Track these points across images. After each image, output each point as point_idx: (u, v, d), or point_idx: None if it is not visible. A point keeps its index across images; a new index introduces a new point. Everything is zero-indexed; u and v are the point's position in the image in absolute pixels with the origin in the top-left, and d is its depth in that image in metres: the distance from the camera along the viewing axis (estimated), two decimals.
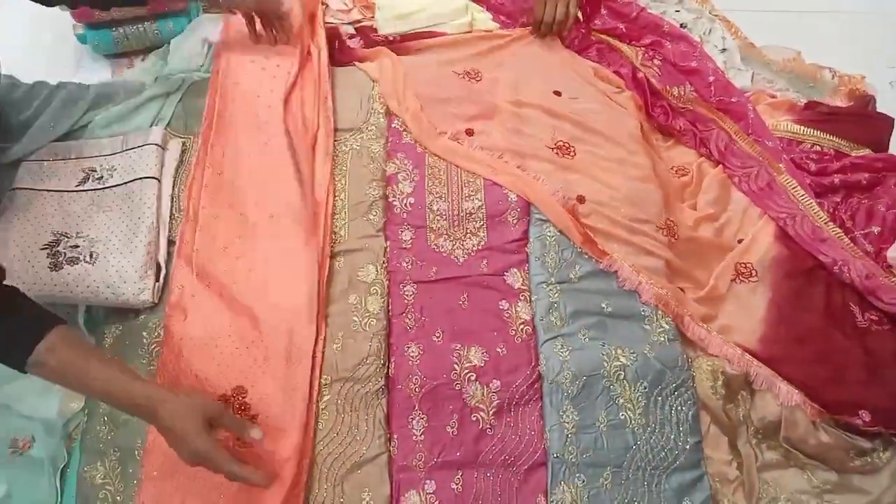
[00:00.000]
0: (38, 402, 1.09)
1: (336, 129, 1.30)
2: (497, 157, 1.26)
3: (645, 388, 1.07)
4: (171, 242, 1.17)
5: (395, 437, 1.04)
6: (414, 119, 1.29)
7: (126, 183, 1.20)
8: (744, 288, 1.23)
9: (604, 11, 1.55)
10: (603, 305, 1.15)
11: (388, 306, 1.13)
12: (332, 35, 1.48)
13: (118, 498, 0.98)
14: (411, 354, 1.09)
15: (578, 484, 1.01)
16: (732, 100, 1.45)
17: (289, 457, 0.96)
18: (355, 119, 1.32)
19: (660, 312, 1.14)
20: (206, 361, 1.04)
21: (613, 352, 1.09)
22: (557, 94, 1.37)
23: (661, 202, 1.25)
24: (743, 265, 1.25)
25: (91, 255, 1.12)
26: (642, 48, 1.51)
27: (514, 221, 1.22)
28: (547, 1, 1.45)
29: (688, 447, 1.04)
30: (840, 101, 1.52)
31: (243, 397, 1.02)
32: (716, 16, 1.67)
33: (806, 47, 1.60)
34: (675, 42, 1.52)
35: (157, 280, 1.12)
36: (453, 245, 1.20)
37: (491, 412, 1.05)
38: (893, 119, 1.43)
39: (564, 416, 1.04)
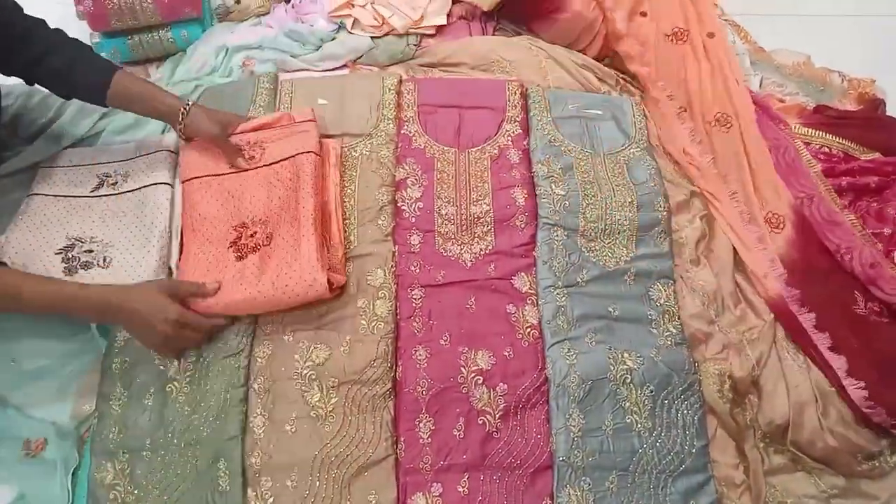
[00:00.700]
0: (50, 405, 1.10)
1: (346, 135, 1.32)
2: None
3: (651, 391, 1.07)
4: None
5: (402, 439, 1.04)
6: None
7: (139, 189, 1.22)
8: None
9: None
10: (610, 309, 1.15)
11: (396, 310, 1.14)
12: None
13: (128, 499, 1.00)
14: (419, 358, 1.10)
15: (584, 487, 1.01)
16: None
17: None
18: (365, 125, 1.34)
19: (667, 316, 1.15)
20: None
21: (620, 355, 1.10)
22: None
23: None
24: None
25: (105, 260, 1.14)
26: None
27: (522, 226, 1.23)
28: None
29: (694, 450, 1.04)
30: (850, 105, 1.52)
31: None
32: (726, 20, 1.67)
33: (816, 51, 1.60)
34: None
35: None
36: (461, 249, 1.21)
37: (497, 415, 1.06)
38: None
39: (570, 420, 1.05)
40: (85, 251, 1.15)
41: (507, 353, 1.11)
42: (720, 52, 1.47)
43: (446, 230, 1.23)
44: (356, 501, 0.99)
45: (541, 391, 1.08)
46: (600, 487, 1.02)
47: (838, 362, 1.14)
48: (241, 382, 1.06)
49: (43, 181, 1.23)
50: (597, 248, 1.21)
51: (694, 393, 1.08)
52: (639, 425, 1.05)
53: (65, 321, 1.13)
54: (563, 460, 1.02)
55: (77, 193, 1.22)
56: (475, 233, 1.22)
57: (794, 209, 1.31)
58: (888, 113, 1.49)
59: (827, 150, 1.43)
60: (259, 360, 1.09)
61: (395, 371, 1.10)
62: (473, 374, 1.09)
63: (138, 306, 1.00)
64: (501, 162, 1.31)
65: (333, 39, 1.55)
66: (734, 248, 1.28)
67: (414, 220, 1.23)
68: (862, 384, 1.11)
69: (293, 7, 1.60)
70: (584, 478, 1.02)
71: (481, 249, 1.21)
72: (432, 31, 1.58)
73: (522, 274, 1.19)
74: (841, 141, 1.43)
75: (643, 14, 1.51)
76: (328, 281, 1.07)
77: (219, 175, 1.21)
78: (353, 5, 1.55)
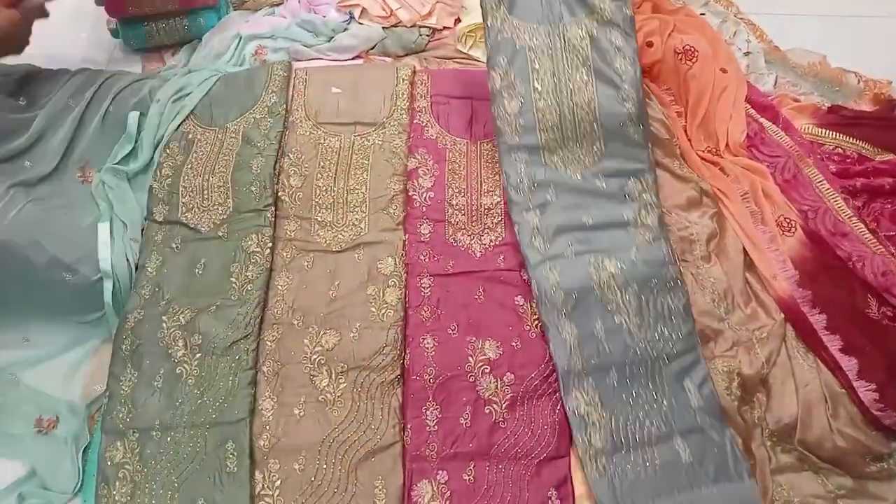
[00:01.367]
0: (62, 384, 1.12)
1: (359, 124, 1.33)
2: None
3: (635, 289, 1.12)
4: None
5: (409, 426, 1.05)
6: None
7: None
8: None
9: None
10: (585, 219, 1.18)
11: (406, 298, 1.15)
12: None
13: (137, 477, 1.01)
14: (426, 346, 1.10)
15: (588, 389, 1.05)
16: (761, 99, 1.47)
17: None
18: (378, 114, 1.34)
19: (642, 214, 1.18)
20: None
21: (601, 262, 1.13)
22: None
23: None
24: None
25: None
26: None
27: None
28: None
29: (682, 335, 1.10)
30: (865, 106, 1.50)
31: None
32: (741, 19, 1.66)
33: (831, 52, 1.59)
34: None
35: None
36: (471, 239, 1.21)
37: (504, 405, 1.06)
38: None
39: (564, 332, 1.09)
40: None
41: (514, 344, 1.11)
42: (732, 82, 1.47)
43: (457, 220, 1.23)
44: (363, 486, 0.99)
45: (548, 382, 1.08)
46: (603, 384, 1.06)
47: (849, 364, 1.13)
48: (249, 365, 1.07)
49: None
50: (559, 161, 1.22)
51: (675, 283, 1.13)
52: (628, 323, 1.09)
53: (78, 301, 1.15)
54: (564, 370, 1.06)
55: None
56: (485, 224, 1.23)
57: (802, 218, 1.30)
58: None
59: (841, 150, 1.42)
60: (268, 343, 1.10)
61: (403, 359, 1.10)
62: (481, 364, 1.09)
63: None
64: None
65: (345, 30, 1.56)
66: (744, 248, 1.28)
67: (425, 209, 1.24)
68: (872, 386, 1.11)
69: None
70: (587, 378, 1.06)
71: (491, 240, 1.21)
72: (440, 27, 1.58)
73: None
74: (854, 142, 1.42)
75: (649, 45, 1.52)
76: None
77: None
78: None
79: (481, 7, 1.26)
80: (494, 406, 1.06)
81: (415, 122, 1.34)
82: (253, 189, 1.24)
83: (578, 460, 1.03)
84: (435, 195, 1.25)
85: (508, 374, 1.08)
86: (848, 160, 1.40)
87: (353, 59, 1.54)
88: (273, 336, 1.10)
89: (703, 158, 1.39)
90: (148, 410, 1.05)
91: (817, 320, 1.18)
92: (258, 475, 1.00)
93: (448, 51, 1.54)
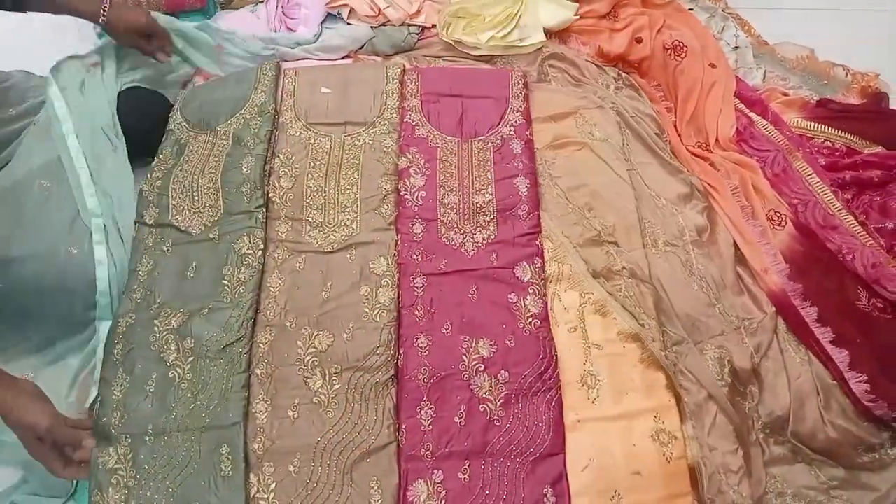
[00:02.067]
0: (55, 390, 1.11)
1: (349, 123, 1.32)
2: None
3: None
4: None
5: (404, 426, 1.04)
6: None
7: None
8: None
9: None
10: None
11: (399, 298, 1.15)
12: None
13: (130, 483, 1.00)
14: (420, 346, 1.10)
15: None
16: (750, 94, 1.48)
17: None
18: (368, 114, 1.34)
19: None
20: None
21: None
22: None
23: None
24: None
25: None
26: None
27: (525, 215, 1.23)
28: None
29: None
30: (853, 99, 1.52)
31: None
32: (729, 14, 1.67)
33: (819, 45, 1.60)
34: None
35: None
36: (464, 238, 1.21)
37: (499, 403, 1.06)
38: None
39: None
40: None
41: (508, 342, 1.11)
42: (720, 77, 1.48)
43: (449, 219, 1.23)
44: (358, 487, 0.99)
45: (542, 379, 1.08)
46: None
47: (840, 355, 1.14)
48: (242, 368, 1.06)
49: None
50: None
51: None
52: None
53: (68, 309, 1.14)
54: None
55: None
56: (478, 222, 1.23)
57: (792, 211, 1.31)
58: (892, 107, 1.49)
59: (830, 144, 1.43)
60: (261, 346, 1.09)
61: (397, 359, 1.10)
62: (475, 362, 1.09)
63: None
64: (504, 152, 1.31)
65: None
66: (735, 242, 1.28)
67: (417, 209, 1.24)
68: (864, 377, 1.12)
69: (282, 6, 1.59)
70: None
71: (483, 239, 1.21)
72: (428, 25, 1.57)
73: (524, 263, 1.18)
74: (843, 135, 1.43)
75: (638, 41, 1.52)
76: None
77: None
78: None
79: None
80: (489, 404, 1.06)
81: (405, 120, 1.34)
82: (244, 190, 1.23)
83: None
84: (426, 194, 1.25)
85: (503, 372, 1.08)
86: (837, 153, 1.41)
87: (341, 58, 1.53)
88: (266, 338, 1.10)
89: (693, 153, 1.40)
90: (140, 415, 1.05)
91: (808, 313, 1.19)
92: (253, 478, 0.99)
93: (437, 49, 1.54)
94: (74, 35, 1.56)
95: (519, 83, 1.40)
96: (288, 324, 1.11)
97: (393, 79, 1.39)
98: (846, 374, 1.13)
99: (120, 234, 1.22)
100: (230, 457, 1.00)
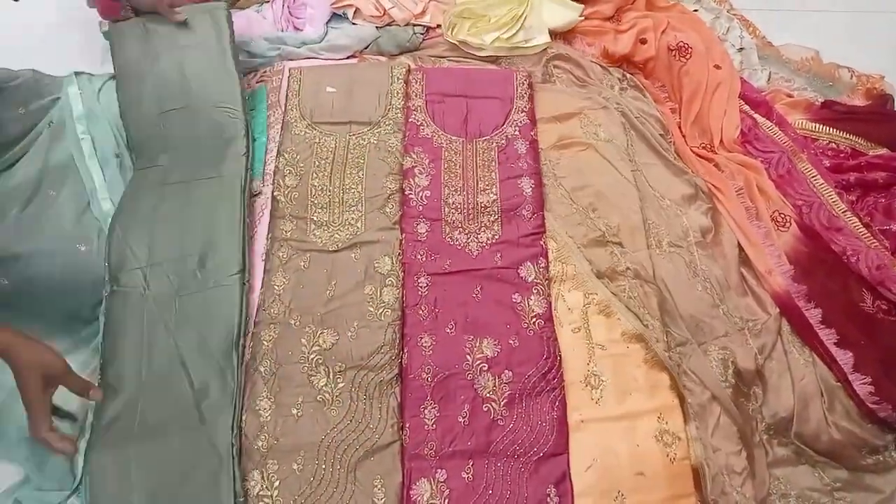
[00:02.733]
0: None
1: (354, 123, 1.33)
2: None
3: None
4: None
5: (408, 425, 1.05)
6: None
7: None
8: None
9: None
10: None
11: (403, 297, 1.15)
12: None
13: None
14: (424, 345, 1.10)
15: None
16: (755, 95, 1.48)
17: None
18: (373, 114, 1.34)
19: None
20: None
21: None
22: None
23: None
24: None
25: None
26: None
27: (529, 215, 1.23)
28: None
29: None
30: (858, 101, 1.52)
31: None
32: (734, 15, 1.67)
33: (824, 47, 1.60)
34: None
35: None
36: (468, 238, 1.21)
37: (502, 402, 1.06)
38: None
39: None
40: None
41: (512, 342, 1.11)
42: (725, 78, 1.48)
43: (453, 219, 1.23)
44: (362, 486, 0.99)
45: (546, 379, 1.08)
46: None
47: (844, 357, 1.14)
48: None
49: None
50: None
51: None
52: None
53: (75, 306, 1.14)
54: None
55: None
56: (482, 222, 1.23)
57: (797, 213, 1.31)
58: None
59: (834, 145, 1.43)
60: (265, 343, 1.09)
61: (401, 358, 1.10)
62: (479, 362, 1.09)
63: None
64: (509, 152, 1.31)
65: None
66: (739, 244, 1.28)
67: (421, 208, 1.24)
68: (868, 379, 1.12)
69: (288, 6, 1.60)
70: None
71: (488, 239, 1.21)
72: (433, 25, 1.57)
73: (528, 263, 1.19)
74: (848, 136, 1.43)
75: (643, 42, 1.52)
76: None
77: None
78: None
79: None
80: (493, 404, 1.06)
81: (410, 120, 1.34)
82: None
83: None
84: (431, 194, 1.25)
85: (507, 371, 1.08)
86: (841, 155, 1.41)
87: (347, 58, 1.54)
88: (270, 336, 1.10)
89: (697, 154, 1.40)
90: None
91: (812, 315, 1.19)
92: (256, 475, 0.99)
93: (442, 49, 1.54)
94: (81, 35, 1.57)
95: (524, 83, 1.40)
96: (292, 322, 1.11)
97: (398, 79, 1.39)
98: (850, 376, 1.12)
99: None
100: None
